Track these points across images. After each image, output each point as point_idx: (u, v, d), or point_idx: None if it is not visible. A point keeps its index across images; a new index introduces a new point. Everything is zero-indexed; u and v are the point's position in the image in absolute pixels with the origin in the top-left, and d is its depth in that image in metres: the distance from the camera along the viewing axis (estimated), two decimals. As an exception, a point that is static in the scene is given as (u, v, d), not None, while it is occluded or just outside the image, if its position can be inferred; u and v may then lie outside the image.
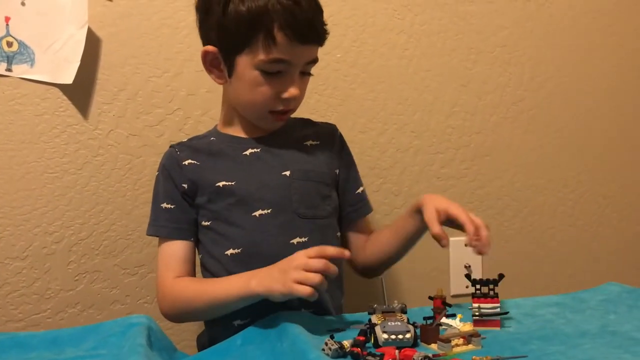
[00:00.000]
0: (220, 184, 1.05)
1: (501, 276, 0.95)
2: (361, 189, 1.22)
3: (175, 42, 1.30)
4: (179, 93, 1.31)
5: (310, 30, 0.99)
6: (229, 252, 1.04)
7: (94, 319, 1.28)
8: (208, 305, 1.00)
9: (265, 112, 1.05)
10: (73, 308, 1.28)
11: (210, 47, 1.03)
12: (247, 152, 1.09)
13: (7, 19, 1.20)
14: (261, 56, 0.99)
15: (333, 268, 0.90)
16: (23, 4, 1.21)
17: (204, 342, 1.11)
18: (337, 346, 0.80)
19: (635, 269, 1.62)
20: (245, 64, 1.01)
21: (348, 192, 1.18)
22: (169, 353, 0.93)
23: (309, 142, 1.15)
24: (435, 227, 0.97)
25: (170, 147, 1.13)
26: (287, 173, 1.08)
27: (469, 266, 1.49)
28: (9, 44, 1.21)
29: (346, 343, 0.81)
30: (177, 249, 1.07)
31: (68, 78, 1.22)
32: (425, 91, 1.46)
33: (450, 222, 1.00)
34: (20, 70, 1.22)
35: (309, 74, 1.07)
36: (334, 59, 1.38)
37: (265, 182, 1.06)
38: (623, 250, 1.63)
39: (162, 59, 1.29)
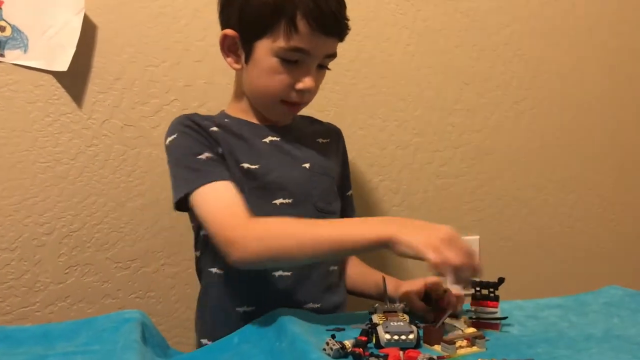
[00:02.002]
0: (245, 165, 1.02)
1: (501, 280, 0.93)
2: (350, 192, 1.23)
3: (174, 32, 1.27)
4: (177, 83, 1.28)
5: (333, 22, 0.98)
6: None
7: (85, 313, 1.25)
8: (318, 247, 0.88)
9: (277, 101, 1.02)
10: (63, 301, 1.24)
11: (229, 31, 1.01)
12: (267, 140, 1.06)
13: (0, 3, 1.17)
14: (281, 43, 0.97)
15: (478, 267, 0.82)
16: (17, -13, 1.17)
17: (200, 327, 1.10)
18: (338, 346, 0.78)
19: (633, 271, 1.62)
20: (264, 50, 0.99)
21: (340, 194, 1.18)
22: (162, 349, 0.91)
23: (320, 140, 1.14)
24: (417, 302, 0.98)
25: (183, 115, 1.05)
26: (307, 166, 1.07)
27: (468, 266, 1.47)
28: (2, 29, 1.17)
29: (347, 343, 0.79)
30: (233, 189, 0.96)
31: (63, 65, 1.19)
32: (427, 88, 1.44)
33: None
34: (13, 55, 1.18)
35: (326, 68, 1.05)
36: (335, 53, 1.36)
37: (287, 172, 1.04)
38: (622, 252, 1.62)
39: (159, 48, 1.26)
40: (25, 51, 1.19)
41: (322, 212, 1.06)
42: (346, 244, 0.88)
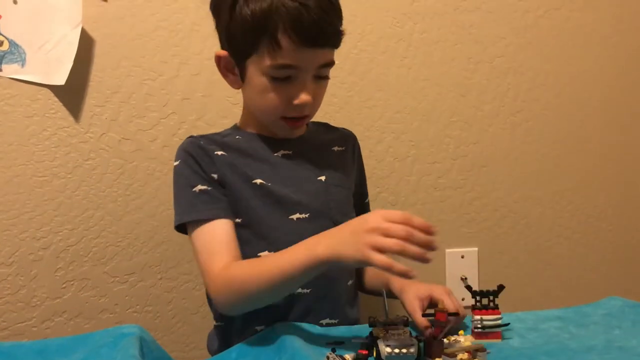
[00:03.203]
0: (258, 181, 1.01)
1: (501, 287, 0.93)
2: (367, 199, 1.22)
3: (171, 45, 1.27)
4: (174, 97, 1.28)
5: (318, 32, 0.92)
6: (264, 254, 0.99)
7: (82, 328, 1.24)
8: (270, 283, 0.88)
9: (276, 118, 1.00)
10: (60, 317, 1.23)
11: (221, 52, 1.01)
12: (279, 154, 1.05)
13: (-2, 17, 1.17)
14: (267, 62, 0.94)
15: (419, 237, 0.76)
16: (15, 2, 1.17)
17: (214, 348, 1.07)
18: (339, 360, 0.77)
19: (631, 282, 1.61)
20: (254, 70, 0.97)
21: (357, 202, 1.17)
22: (162, 364, 0.90)
23: (335, 148, 1.13)
24: (419, 318, 0.94)
25: (191, 137, 1.04)
26: (323, 178, 1.05)
27: (466, 278, 1.47)
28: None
29: (348, 357, 0.79)
30: (220, 231, 0.97)
31: (60, 79, 1.19)
32: (424, 100, 1.44)
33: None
34: (10, 70, 1.18)
35: (326, 77, 1.01)
36: (332, 66, 1.36)
37: (302, 186, 1.03)
38: (621, 263, 1.61)
39: (157, 62, 1.26)
40: (22, 65, 1.19)
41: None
42: (292, 270, 0.86)
